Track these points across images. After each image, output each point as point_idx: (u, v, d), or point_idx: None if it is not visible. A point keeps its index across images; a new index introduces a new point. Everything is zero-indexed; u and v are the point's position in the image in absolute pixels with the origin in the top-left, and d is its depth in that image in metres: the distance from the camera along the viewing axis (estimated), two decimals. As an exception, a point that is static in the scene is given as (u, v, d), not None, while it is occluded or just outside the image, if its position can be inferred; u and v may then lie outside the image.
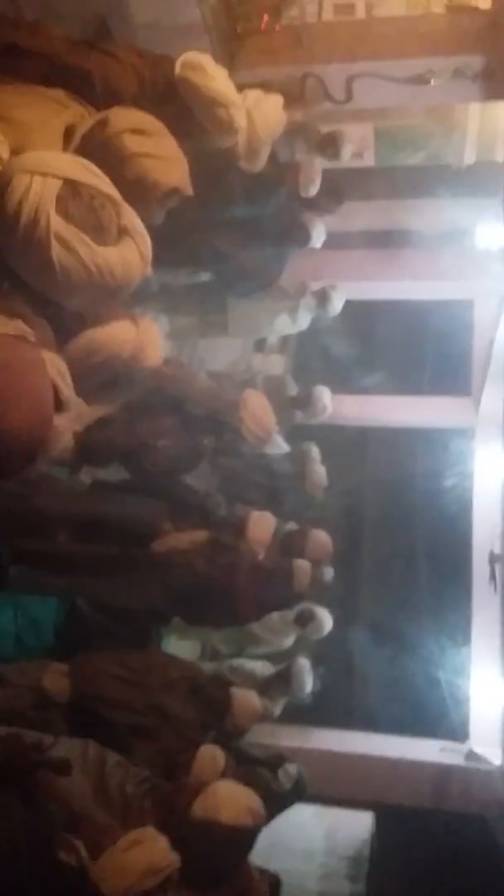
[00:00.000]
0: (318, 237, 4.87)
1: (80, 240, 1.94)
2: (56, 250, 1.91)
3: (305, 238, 4.82)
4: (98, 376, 2.46)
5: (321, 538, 4.58)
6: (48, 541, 3.55)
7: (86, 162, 2.04)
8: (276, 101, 3.33)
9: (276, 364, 6.86)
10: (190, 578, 3.71)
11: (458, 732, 5.64)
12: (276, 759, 3.81)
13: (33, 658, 3.73)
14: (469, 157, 7.00)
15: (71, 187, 1.93)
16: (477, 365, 6.55)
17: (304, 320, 5.22)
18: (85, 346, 2.37)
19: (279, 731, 5.17)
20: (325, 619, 4.86)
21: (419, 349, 6.82)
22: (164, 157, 2.27)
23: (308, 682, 4.61)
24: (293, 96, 5.01)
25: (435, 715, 5.77)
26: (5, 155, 1.96)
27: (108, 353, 2.45)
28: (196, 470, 4.03)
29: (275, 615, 4.83)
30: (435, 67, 4.99)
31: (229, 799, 2.88)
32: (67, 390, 1.96)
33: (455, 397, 6.72)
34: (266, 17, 4.90)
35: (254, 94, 3.24)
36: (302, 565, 4.15)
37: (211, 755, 3.13)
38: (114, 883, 2.22)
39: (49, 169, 1.92)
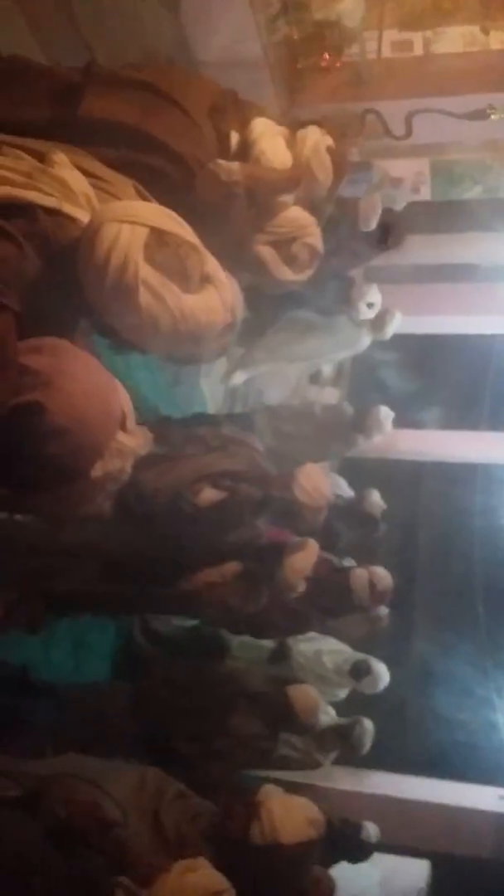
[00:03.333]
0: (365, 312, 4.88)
1: (166, 287, 1.96)
2: (144, 296, 1.93)
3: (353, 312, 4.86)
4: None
5: (380, 571, 4.47)
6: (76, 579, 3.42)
7: (170, 211, 2.06)
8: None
9: (330, 397, 6.84)
10: (223, 615, 3.62)
11: (518, 779, 5.45)
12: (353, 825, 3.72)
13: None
14: (525, 191, 6.96)
15: (157, 235, 1.95)
16: (534, 400, 6.45)
17: (364, 337, 5.18)
18: None
19: (333, 773, 5.04)
20: (382, 674, 4.72)
21: (476, 384, 6.73)
22: (219, 279, 2.23)
23: (367, 745, 4.49)
24: (353, 132, 5.06)
25: (493, 761, 5.58)
26: (97, 206, 2.01)
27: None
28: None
29: (330, 664, 4.73)
30: (495, 103, 4.99)
31: (286, 817, 2.82)
32: (132, 421, 1.97)
33: (512, 433, 6.61)
34: (327, 54, 4.94)
35: (312, 140, 3.23)
36: (359, 573, 4.05)
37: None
38: None
39: (137, 217, 1.95)
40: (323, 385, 6.84)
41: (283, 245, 3.21)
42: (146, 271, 1.92)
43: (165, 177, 2.56)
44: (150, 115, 2.61)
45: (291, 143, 3.11)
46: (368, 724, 4.50)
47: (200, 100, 2.77)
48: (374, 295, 4.97)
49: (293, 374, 6.52)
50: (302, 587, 3.62)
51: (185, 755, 3.58)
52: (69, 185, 1.99)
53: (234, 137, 2.85)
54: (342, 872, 3.54)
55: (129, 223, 1.92)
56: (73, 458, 1.79)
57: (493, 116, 5.03)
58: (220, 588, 3.33)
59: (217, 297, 2.08)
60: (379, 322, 5.17)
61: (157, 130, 2.57)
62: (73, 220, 1.96)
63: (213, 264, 2.10)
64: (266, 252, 3.19)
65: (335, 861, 3.35)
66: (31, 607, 3.25)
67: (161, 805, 2.83)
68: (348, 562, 4.66)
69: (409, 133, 5.17)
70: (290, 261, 3.25)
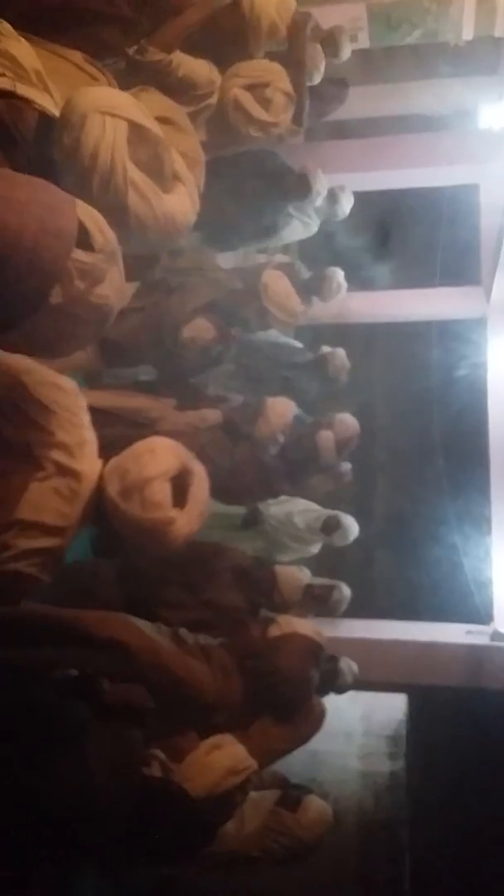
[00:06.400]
0: (318, 192, 4.68)
1: (152, 189, 1.94)
2: (132, 198, 1.90)
3: (306, 190, 4.62)
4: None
5: (347, 419, 4.55)
6: None
7: (140, 103, 1.99)
8: None
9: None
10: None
11: (482, 615, 5.79)
12: (329, 658, 3.97)
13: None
14: (467, 33, 6.72)
15: (136, 131, 1.90)
16: (486, 252, 6.44)
17: (314, 225, 5.13)
18: None
19: (309, 624, 5.30)
20: (352, 527, 4.92)
21: (424, 239, 6.69)
22: (185, 154, 2.22)
23: (343, 607, 4.70)
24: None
25: (460, 600, 5.91)
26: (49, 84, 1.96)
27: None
28: (219, 367, 3.99)
29: (301, 524, 4.90)
30: None
31: (301, 622, 3.28)
32: (103, 238, 1.78)
33: (465, 287, 6.62)
34: None
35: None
36: (325, 435, 4.15)
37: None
38: (199, 782, 2.38)
39: (118, 110, 1.88)
40: (271, 253, 6.74)
41: (258, 89, 3.49)
42: (133, 172, 1.89)
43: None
44: None
45: None
46: (346, 590, 4.70)
47: None
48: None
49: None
50: (280, 439, 3.72)
51: (170, 622, 3.74)
52: (18, 61, 1.89)
53: None
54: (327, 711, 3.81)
55: (112, 116, 1.86)
56: (21, 285, 1.62)
57: (431, -49, 4.79)
58: (200, 434, 3.34)
59: (187, 197, 2.07)
60: (332, 200, 5.08)
61: None
62: (28, 101, 1.88)
63: (179, 161, 2.07)
64: (243, 94, 3.45)
65: (323, 694, 3.62)
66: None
67: (178, 632, 3.08)
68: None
69: (345, -26, 4.92)
70: (265, 104, 3.53)
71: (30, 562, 1.90)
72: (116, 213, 1.92)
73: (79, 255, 1.68)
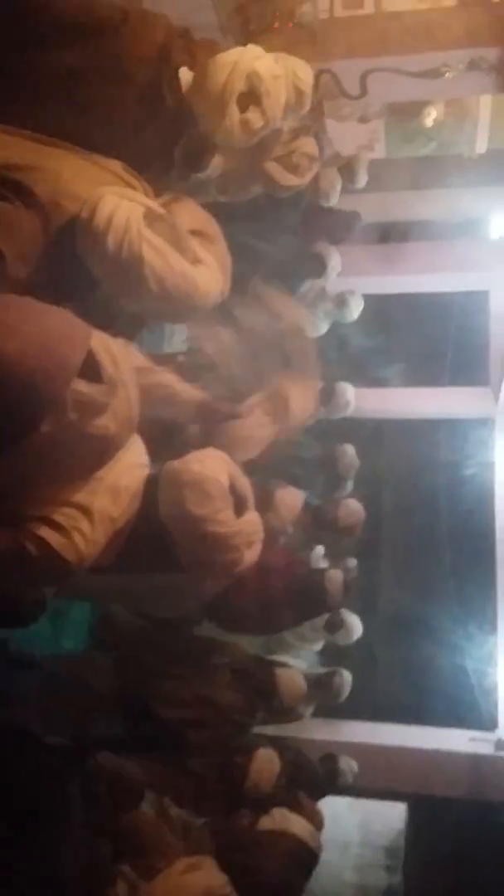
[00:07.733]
0: (333, 268, 4.89)
1: (168, 249, 2.00)
2: (147, 252, 1.98)
3: (321, 268, 4.85)
4: None
5: (352, 504, 4.56)
6: None
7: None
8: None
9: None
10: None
11: (486, 721, 5.66)
12: (328, 757, 3.88)
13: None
14: (481, 146, 7.00)
15: (152, 213, 2.00)
16: (494, 355, 6.57)
17: (322, 326, 5.26)
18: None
19: (309, 726, 5.19)
20: (355, 626, 4.87)
21: (435, 341, 6.82)
22: (211, 265, 2.30)
23: (346, 693, 4.62)
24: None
25: (463, 705, 5.79)
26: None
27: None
28: None
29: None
30: (450, 61, 4.99)
31: (297, 821, 3.03)
32: (113, 370, 1.79)
33: (473, 387, 6.72)
34: (277, 23, 4.90)
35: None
36: (333, 575, 4.15)
37: (269, 758, 3.17)
38: None
39: (135, 199, 2.01)
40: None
41: (285, 158, 3.77)
42: (148, 233, 1.98)
43: None
44: None
45: None
46: (347, 675, 4.65)
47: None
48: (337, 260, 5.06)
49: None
50: (290, 530, 3.87)
51: (165, 718, 3.66)
52: (64, 175, 2.03)
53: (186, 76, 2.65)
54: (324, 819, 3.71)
55: (128, 200, 1.99)
56: (10, 411, 1.63)
57: (447, 75, 5.04)
58: None
59: (210, 275, 2.14)
60: (341, 304, 5.24)
61: None
62: (69, 199, 2.00)
63: (203, 251, 2.16)
64: (272, 167, 3.73)
65: (320, 796, 3.52)
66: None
67: (162, 802, 2.93)
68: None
69: (364, 93, 5.16)
70: (293, 169, 3.80)
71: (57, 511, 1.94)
72: (130, 271, 2.00)
73: (79, 385, 1.70)
